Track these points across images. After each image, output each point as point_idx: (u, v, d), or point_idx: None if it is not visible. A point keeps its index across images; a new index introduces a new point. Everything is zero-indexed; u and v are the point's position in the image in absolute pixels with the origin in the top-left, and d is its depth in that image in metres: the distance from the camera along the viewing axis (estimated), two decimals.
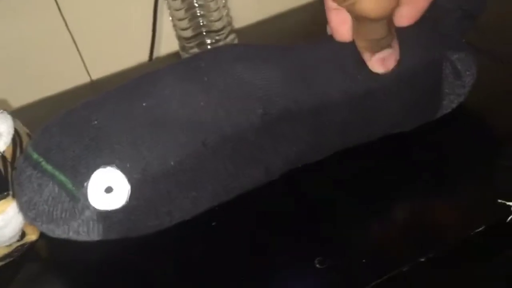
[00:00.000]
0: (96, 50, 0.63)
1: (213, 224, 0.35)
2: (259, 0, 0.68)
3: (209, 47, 0.58)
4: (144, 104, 0.32)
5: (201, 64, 0.34)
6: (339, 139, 0.36)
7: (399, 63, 0.34)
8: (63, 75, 0.63)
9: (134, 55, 0.65)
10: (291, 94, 0.33)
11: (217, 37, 0.58)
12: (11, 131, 0.37)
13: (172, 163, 0.31)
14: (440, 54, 0.36)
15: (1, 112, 0.38)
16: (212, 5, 0.57)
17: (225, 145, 0.32)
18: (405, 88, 0.35)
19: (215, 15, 0.58)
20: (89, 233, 0.31)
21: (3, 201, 0.33)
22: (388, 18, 0.31)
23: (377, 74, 0.34)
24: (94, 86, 0.64)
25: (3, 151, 0.35)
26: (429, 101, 0.37)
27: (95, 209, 0.30)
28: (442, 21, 0.37)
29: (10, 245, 0.36)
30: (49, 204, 0.31)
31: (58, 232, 0.32)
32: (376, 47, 0.33)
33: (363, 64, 0.34)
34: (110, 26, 0.63)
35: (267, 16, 0.69)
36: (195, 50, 0.59)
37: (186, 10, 0.57)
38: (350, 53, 0.35)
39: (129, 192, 0.30)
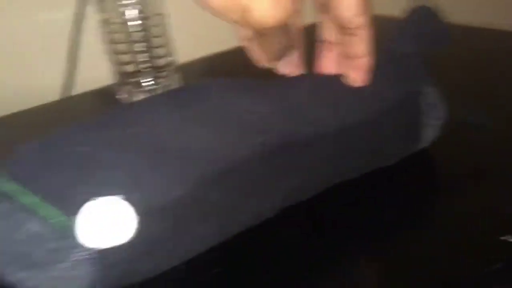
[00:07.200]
0: None
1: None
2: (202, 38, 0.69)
3: (152, 82, 0.56)
4: (132, 132, 0.29)
5: (191, 96, 0.32)
6: (331, 172, 0.35)
7: (379, 96, 0.35)
8: None
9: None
10: (288, 126, 0.33)
11: (159, 74, 0.56)
12: None
13: (174, 196, 0.28)
14: (415, 88, 0.38)
15: None
16: (158, 41, 0.55)
17: (227, 177, 0.30)
18: (387, 121, 0.36)
19: (160, 52, 0.55)
20: (80, 279, 0.27)
21: None
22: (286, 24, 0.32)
23: (356, 107, 0.35)
24: None
25: None
26: (409, 133, 0.38)
27: (88, 248, 0.26)
28: (406, 62, 0.39)
29: None
30: (30, 244, 0.26)
31: (41, 278, 0.26)
32: (281, 55, 0.35)
33: (343, 98, 0.35)
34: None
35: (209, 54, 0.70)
36: (134, 86, 0.56)
37: (129, 44, 0.54)
38: (333, 87, 0.36)
39: (130, 228, 0.27)
